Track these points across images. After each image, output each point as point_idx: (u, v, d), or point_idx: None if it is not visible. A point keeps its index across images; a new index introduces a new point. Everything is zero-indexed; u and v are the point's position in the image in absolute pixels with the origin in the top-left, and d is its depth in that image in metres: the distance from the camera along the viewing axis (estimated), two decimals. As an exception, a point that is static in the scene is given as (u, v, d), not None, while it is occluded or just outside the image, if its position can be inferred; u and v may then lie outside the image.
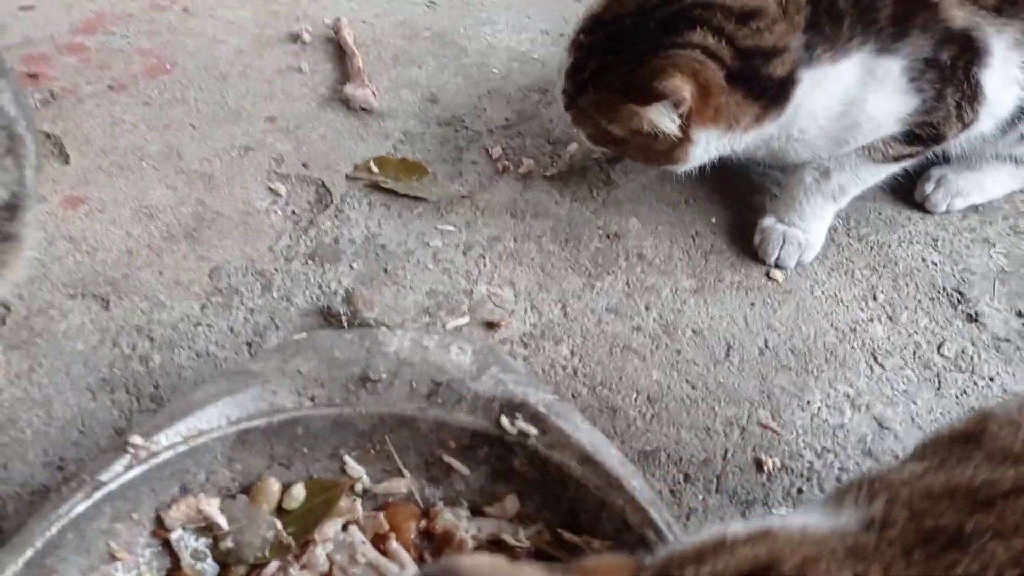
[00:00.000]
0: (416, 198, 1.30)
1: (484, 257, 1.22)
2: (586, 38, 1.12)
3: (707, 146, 1.10)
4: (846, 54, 1.06)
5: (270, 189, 1.30)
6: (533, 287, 1.18)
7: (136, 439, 0.81)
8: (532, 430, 0.86)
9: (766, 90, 1.06)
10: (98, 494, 0.79)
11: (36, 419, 0.98)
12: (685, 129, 1.06)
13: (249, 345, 1.08)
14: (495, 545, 0.85)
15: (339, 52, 1.58)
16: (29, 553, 0.74)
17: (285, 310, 1.12)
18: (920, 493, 0.58)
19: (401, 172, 1.33)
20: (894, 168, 1.21)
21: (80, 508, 0.78)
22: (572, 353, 1.10)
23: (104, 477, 0.79)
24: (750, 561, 0.52)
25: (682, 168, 1.15)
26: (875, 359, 1.12)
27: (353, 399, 0.89)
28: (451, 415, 0.89)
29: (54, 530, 0.76)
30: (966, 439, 0.64)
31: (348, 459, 0.90)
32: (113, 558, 0.81)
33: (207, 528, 0.85)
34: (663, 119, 1.05)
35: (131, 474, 0.81)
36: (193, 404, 0.85)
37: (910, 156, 1.18)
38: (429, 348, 0.92)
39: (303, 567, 0.84)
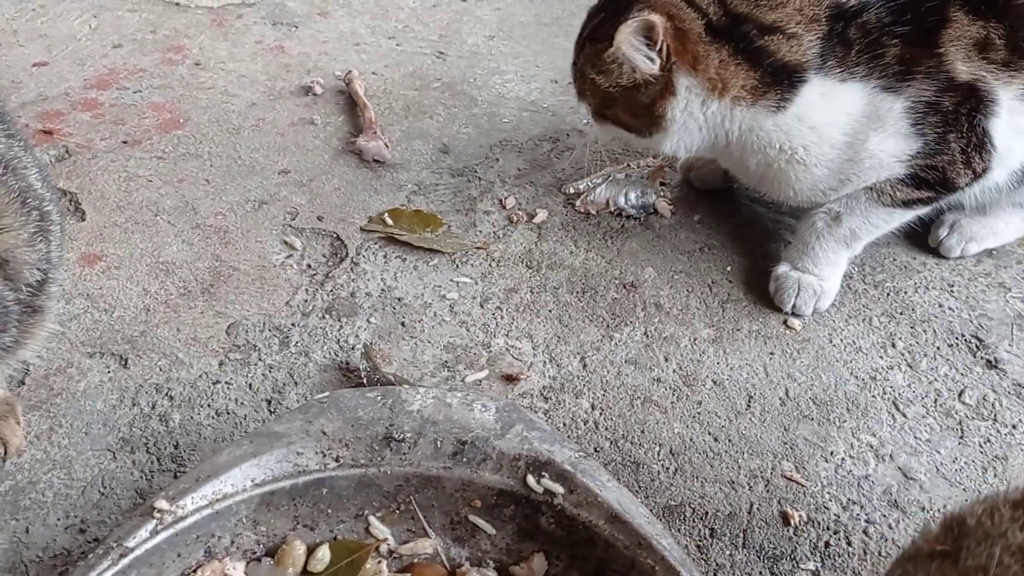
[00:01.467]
0: (431, 250, 1.30)
1: (501, 309, 1.22)
2: (593, 8, 1.21)
3: (691, 107, 1.12)
4: (852, 79, 1.08)
5: (285, 243, 1.30)
6: (551, 339, 1.18)
7: (162, 503, 0.81)
8: (559, 489, 0.85)
9: (763, 63, 1.08)
10: (124, 561, 0.78)
11: (57, 480, 0.97)
12: (665, 69, 1.10)
13: (268, 402, 1.07)
14: (523, 607, 0.84)
15: (350, 104, 1.60)
16: (56, 624, 0.73)
17: (303, 366, 1.12)
18: None
19: (415, 224, 1.34)
20: (906, 215, 1.21)
21: (109, 573, 0.77)
22: (593, 406, 1.10)
23: (130, 543, 0.79)
24: None
25: (670, 143, 1.17)
26: (897, 408, 1.11)
27: (378, 459, 0.88)
28: (476, 474, 0.88)
29: (79, 601, 0.74)
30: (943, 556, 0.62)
31: (373, 520, 0.89)
32: (136, 626, 0.79)
33: (230, 594, 0.83)
34: (636, 54, 1.09)
35: (157, 539, 0.80)
36: (218, 467, 0.85)
37: (920, 202, 1.18)
38: (452, 406, 0.92)
39: (332, 632, 0.82)
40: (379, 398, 0.92)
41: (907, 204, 1.18)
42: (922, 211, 1.22)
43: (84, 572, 0.77)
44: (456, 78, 1.69)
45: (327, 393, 0.95)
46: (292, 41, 1.76)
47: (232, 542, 0.85)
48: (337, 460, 0.88)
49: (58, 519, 0.94)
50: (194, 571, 0.83)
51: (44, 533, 0.93)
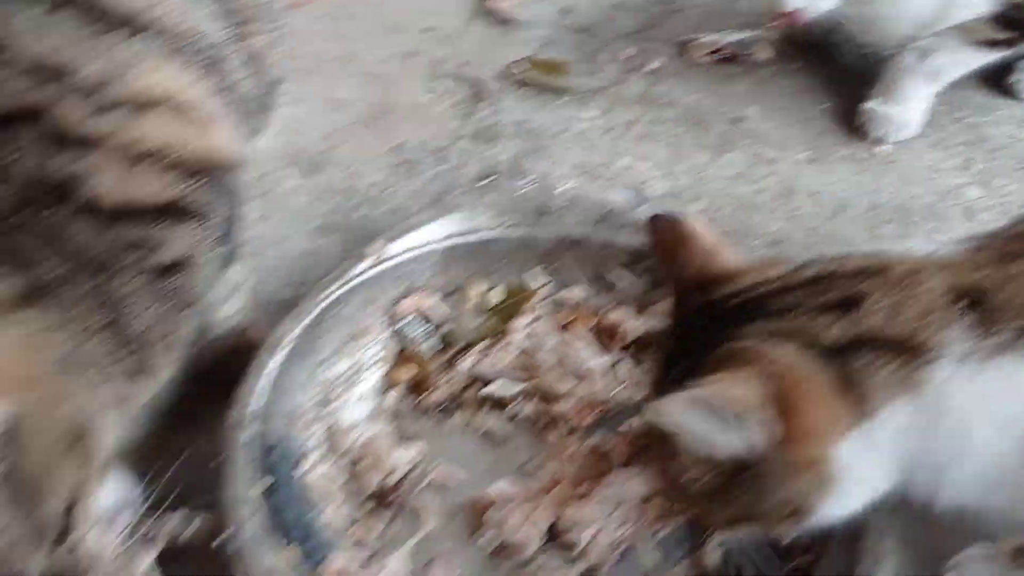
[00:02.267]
0: (560, 91, 1.50)
1: (623, 137, 1.42)
2: None
3: None
4: None
5: (432, 87, 1.52)
6: (667, 161, 1.38)
7: (376, 246, 1.04)
8: (684, 245, 1.06)
9: None
10: (349, 285, 1.02)
11: (274, 254, 1.22)
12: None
13: (433, 203, 1.30)
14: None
15: (480, -25, 1.79)
16: (306, 320, 0.98)
17: (460, 176, 1.35)
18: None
19: (546, 70, 1.54)
20: (989, 55, 1.36)
21: (337, 294, 1.01)
22: (703, 210, 1.30)
23: (353, 273, 1.02)
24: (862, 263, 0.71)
25: None
26: (970, 215, 1.29)
27: (536, 223, 1.10)
28: (616, 237, 1.09)
29: (318, 309, 0.99)
30: None
31: (534, 272, 1.11)
32: (359, 336, 1.04)
33: (428, 319, 1.07)
34: None
35: (373, 272, 1.04)
36: (414, 224, 1.08)
37: (1004, 43, 1.33)
38: (596, 185, 1.14)
39: (505, 347, 1.06)
40: (534, 184, 1.14)
41: (991, 45, 1.33)
42: (1003, 53, 1.37)
43: (317, 292, 1.01)
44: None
45: (489, 178, 1.17)
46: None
47: (427, 281, 1.09)
48: (504, 223, 1.10)
49: (279, 279, 1.19)
50: (399, 300, 1.07)
51: (270, 289, 1.18)
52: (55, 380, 0.75)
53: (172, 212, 0.81)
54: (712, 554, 0.89)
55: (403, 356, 1.05)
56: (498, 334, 1.07)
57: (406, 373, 1.03)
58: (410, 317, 1.06)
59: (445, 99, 1.50)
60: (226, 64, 0.92)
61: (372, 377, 1.04)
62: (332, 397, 1.00)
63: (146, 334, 0.80)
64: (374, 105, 1.47)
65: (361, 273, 1.03)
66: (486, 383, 1.04)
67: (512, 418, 1.03)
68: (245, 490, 0.83)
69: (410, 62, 1.57)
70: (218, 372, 1.03)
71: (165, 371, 0.86)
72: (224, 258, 0.94)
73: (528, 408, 1.02)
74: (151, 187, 0.79)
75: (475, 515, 0.94)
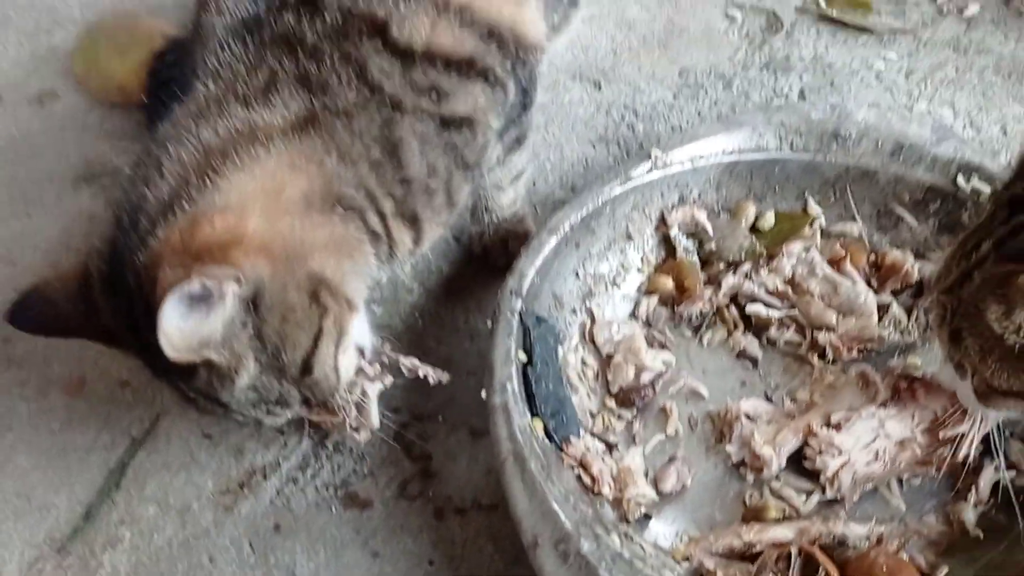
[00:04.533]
0: (861, 28, 1.42)
1: (925, 82, 1.33)
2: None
3: None
4: None
5: (727, 15, 1.49)
6: (972, 109, 1.28)
7: (656, 152, 1.05)
8: (987, 188, 0.98)
9: None
10: (628, 184, 1.04)
11: (553, 157, 1.26)
12: None
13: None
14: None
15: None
16: (585, 211, 1.00)
17: (743, 103, 1.32)
18: None
19: (847, 6, 1.46)
20: None
21: (616, 191, 1.03)
22: (1007, 163, 1.19)
23: (632, 174, 1.04)
24: None
25: None
26: None
27: (825, 149, 1.06)
28: (910, 171, 1.03)
29: (600, 201, 1.01)
30: None
31: (811, 201, 1.08)
32: (628, 237, 1.06)
33: (695, 233, 1.07)
34: None
35: (650, 177, 1.05)
36: (696, 135, 1.08)
37: None
38: (891, 120, 1.07)
39: (771, 271, 1.03)
40: (827, 108, 1.10)
41: None
42: None
43: (598, 188, 1.03)
44: None
45: (783, 100, 1.14)
46: None
47: (699, 195, 1.08)
48: (791, 146, 1.07)
49: (555, 180, 1.23)
50: (670, 209, 1.07)
51: (545, 189, 1.22)
52: (299, 234, 0.79)
53: (468, 67, 0.86)
54: (967, 511, 0.84)
55: (666, 265, 1.05)
56: (764, 257, 1.04)
57: (667, 282, 1.04)
58: (679, 227, 1.06)
59: (738, 28, 1.46)
60: None
61: (634, 280, 1.06)
62: (596, 291, 1.03)
63: (420, 179, 0.85)
64: (663, 28, 1.47)
65: (640, 175, 1.03)
66: (747, 303, 1.02)
67: (769, 342, 1.00)
68: (511, 353, 0.87)
69: (706, -11, 1.54)
70: (492, 255, 1.09)
71: (430, 230, 0.91)
72: (511, 141, 0.99)
73: (786, 335, 1.00)
74: (455, 39, 0.85)
75: (720, 426, 0.93)
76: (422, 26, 0.83)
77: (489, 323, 0.91)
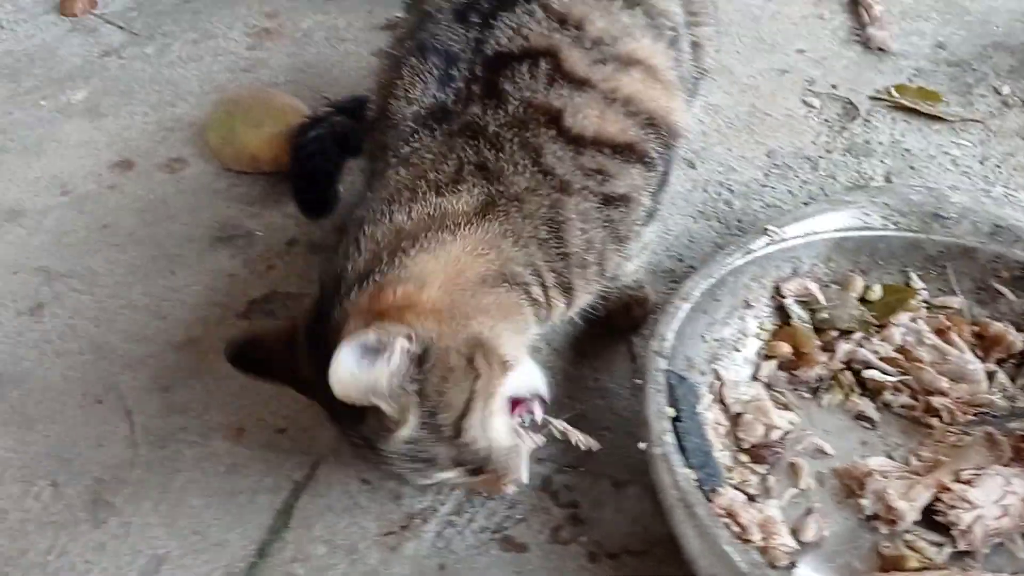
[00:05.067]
0: (934, 117, 1.54)
1: (1000, 167, 1.44)
2: None
3: None
4: None
5: (805, 102, 1.61)
6: (1046, 194, 1.38)
7: (773, 227, 1.14)
8: (1080, 267, 1.07)
9: None
10: (748, 257, 1.13)
11: (660, 228, 1.36)
12: None
13: (805, 204, 1.39)
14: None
15: (852, 5, 1.86)
16: (712, 281, 1.09)
17: (831, 184, 1.43)
18: None
19: (919, 97, 1.58)
20: None
21: (738, 263, 1.12)
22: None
23: (753, 247, 1.13)
24: None
25: None
26: None
27: (927, 228, 1.16)
28: (1008, 250, 1.13)
29: (724, 271, 1.10)
30: None
31: (913, 276, 1.17)
32: (747, 305, 1.15)
33: (807, 302, 1.16)
34: None
35: (767, 250, 1.14)
36: (807, 213, 1.17)
37: None
38: (987, 203, 1.17)
39: (882, 340, 1.12)
40: (925, 190, 1.20)
41: None
42: None
43: (722, 259, 1.12)
44: (948, -9, 1.89)
45: (882, 183, 1.24)
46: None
47: (810, 268, 1.17)
48: (895, 224, 1.17)
49: (663, 250, 1.32)
50: (784, 281, 1.16)
51: (654, 258, 1.31)
52: (468, 303, 0.88)
53: (629, 151, 0.96)
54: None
55: (783, 332, 1.14)
56: (874, 327, 1.13)
57: (785, 347, 1.12)
58: (793, 297, 1.15)
59: (817, 114, 1.58)
60: (681, 44, 1.07)
61: (753, 345, 1.14)
62: (719, 355, 1.11)
63: (578, 254, 0.95)
64: (747, 113, 1.58)
65: (759, 248, 1.13)
66: (861, 368, 1.10)
67: (884, 406, 1.09)
68: (662, 408, 0.95)
69: (783, 78, 1.67)
70: (615, 318, 1.18)
71: (581, 296, 1.00)
72: (648, 215, 1.09)
73: (900, 399, 1.08)
74: (619, 126, 0.95)
75: (849, 482, 1.01)
76: (593, 116, 0.94)
77: (637, 381, 0.99)
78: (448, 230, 0.89)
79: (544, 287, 0.95)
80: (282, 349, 0.91)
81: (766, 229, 1.14)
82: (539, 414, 1.01)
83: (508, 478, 0.95)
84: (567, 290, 0.98)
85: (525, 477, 0.97)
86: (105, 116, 1.66)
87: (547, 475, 1.04)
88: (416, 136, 0.95)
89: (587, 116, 0.94)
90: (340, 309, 0.86)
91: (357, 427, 0.88)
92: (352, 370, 0.79)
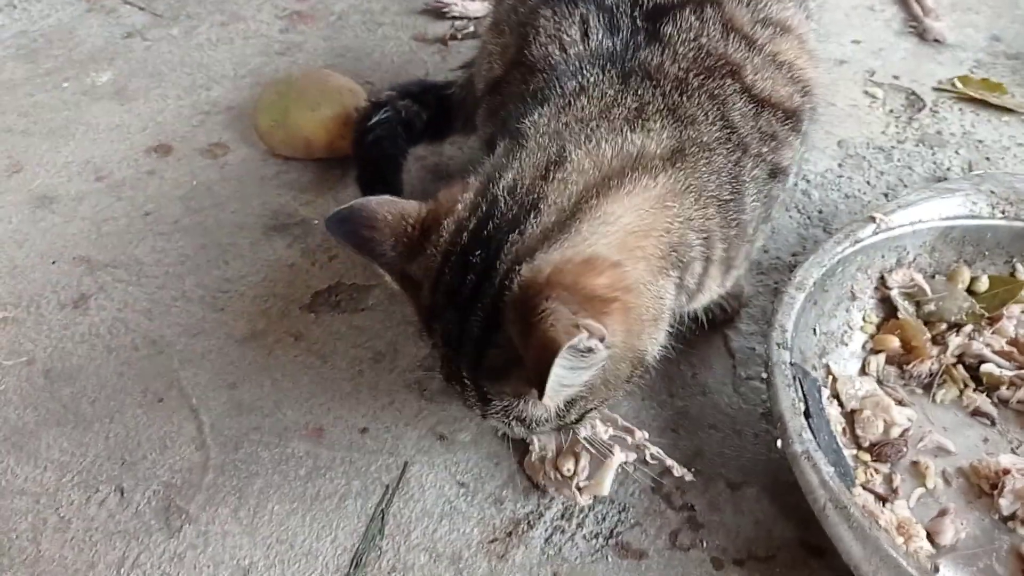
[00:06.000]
0: (1003, 109, 1.50)
1: (1077, 160, 1.40)
2: None
3: None
4: None
5: (867, 92, 1.57)
6: None
7: (879, 215, 1.09)
8: None
9: None
10: (856, 246, 1.07)
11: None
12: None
13: (885, 195, 1.34)
14: None
15: (901, -4, 1.82)
16: (823, 270, 1.03)
17: (908, 175, 1.38)
18: None
19: (984, 88, 1.54)
20: None
21: (847, 252, 1.06)
22: None
23: (861, 235, 1.07)
24: None
25: None
26: None
27: (1035, 218, 1.11)
28: (1123, 241, 1.08)
29: (834, 260, 1.05)
30: None
31: (1020, 267, 1.12)
32: (853, 297, 1.09)
33: (912, 294, 1.10)
34: None
35: (874, 239, 1.08)
36: (911, 201, 1.12)
37: None
38: (1094, 192, 1.12)
39: (995, 332, 1.07)
40: (1025, 177, 1.15)
41: None
42: None
43: (832, 246, 1.06)
44: (996, -17, 1.86)
45: (980, 172, 1.19)
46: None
47: (915, 258, 1.12)
48: (1003, 213, 1.12)
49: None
50: (889, 271, 1.11)
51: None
52: (649, 307, 0.79)
53: (795, 120, 0.90)
54: None
55: (891, 324, 1.08)
56: (985, 319, 1.08)
57: (893, 341, 1.07)
58: (899, 288, 1.10)
59: (880, 104, 1.53)
60: (814, 16, 1.01)
61: (858, 338, 1.08)
62: (828, 348, 1.05)
63: (751, 223, 0.88)
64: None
65: (867, 237, 1.07)
66: (976, 362, 1.05)
67: (1000, 401, 1.03)
68: (795, 403, 0.89)
69: (842, 68, 1.62)
70: (711, 312, 1.11)
71: (731, 278, 0.94)
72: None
73: (1018, 394, 1.03)
74: (786, 90, 0.90)
75: (979, 481, 0.95)
76: (767, 76, 0.88)
77: (763, 375, 0.93)
78: (648, 172, 0.79)
79: (707, 263, 0.86)
80: (401, 237, 0.80)
81: (872, 217, 1.08)
82: (639, 435, 0.97)
83: (587, 485, 0.94)
84: (728, 267, 0.91)
85: (606, 490, 0.94)
86: (135, 99, 1.56)
87: (657, 476, 0.97)
88: (586, 73, 0.86)
89: (763, 76, 0.89)
90: (529, 259, 0.73)
91: (484, 379, 0.77)
92: (564, 376, 0.70)
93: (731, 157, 0.85)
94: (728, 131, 0.85)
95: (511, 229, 0.75)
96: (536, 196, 0.76)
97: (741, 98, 0.86)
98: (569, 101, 0.85)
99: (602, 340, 0.69)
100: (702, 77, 0.86)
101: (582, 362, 0.70)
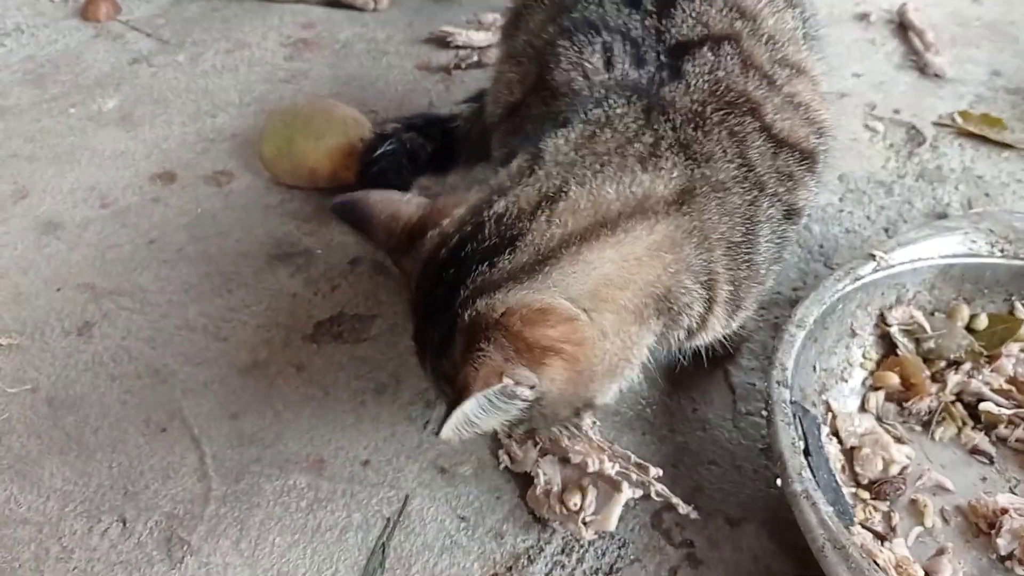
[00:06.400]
0: (1002, 144, 1.51)
1: (1075, 196, 1.41)
2: None
3: None
4: None
5: (867, 126, 1.58)
6: None
7: (879, 253, 1.10)
8: None
9: None
10: (856, 283, 1.08)
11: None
12: None
13: (885, 230, 1.35)
14: None
15: (900, 30, 1.84)
16: (823, 308, 1.04)
17: (908, 210, 1.39)
18: None
19: (984, 124, 1.56)
20: None
21: (847, 289, 1.07)
22: None
23: (861, 272, 1.08)
24: None
25: None
26: None
27: (1034, 256, 1.12)
28: (1120, 280, 1.09)
29: (835, 297, 1.05)
30: None
31: (1019, 305, 1.13)
32: (853, 334, 1.10)
33: (912, 331, 1.11)
34: None
35: (874, 276, 1.09)
36: (911, 239, 1.13)
37: None
38: (1092, 231, 1.13)
39: (993, 371, 1.08)
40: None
41: None
42: None
43: (832, 285, 1.06)
44: (995, 20, 1.88)
45: (979, 210, 1.20)
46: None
47: (914, 296, 1.13)
48: (1002, 251, 1.13)
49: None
50: (889, 308, 1.11)
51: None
52: (606, 360, 0.80)
53: (811, 161, 0.91)
54: None
55: (890, 361, 1.09)
56: (984, 357, 1.09)
57: (893, 378, 1.07)
58: (898, 326, 1.10)
59: (881, 139, 1.54)
60: (822, 56, 1.03)
61: (858, 375, 1.09)
62: (828, 385, 1.06)
63: (761, 266, 0.89)
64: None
65: (867, 275, 1.08)
66: (975, 400, 1.05)
67: (999, 439, 1.04)
68: (795, 441, 0.89)
69: (843, 101, 1.63)
70: (709, 347, 1.11)
71: (739, 318, 0.94)
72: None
73: (1016, 432, 1.03)
74: (804, 131, 0.90)
75: (977, 520, 0.95)
76: (786, 116, 0.89)
77: (764, 412, 0.93)
78: (648, 219, 0.79)
79: (710, 303, 0.87)
80: (395, 234, 0.85)
81: (872, 254, 1.09)
82: (653, 472, 0.98)
83: (593, 520, 0.95)
84: (735, 308, 0.91)
85: (613, 525, 0.95)
86: (140, 125, 1.58)
87: (656, 512, 0.97)
88: (613, 103, 0.87)
89: (782, 116, 0.90)
90: (484, 301, 0.75)
91: (440, 380, 0.82)
92: (476, 414, 0.74)
93: (746, 197, 0.85)
94: (746, 169, 0.85)
95: (483, 259, 0.76)
96: (517, 232, 0.77)
97: (760, 136, 0.87)
98: (593, 132, 0.85)
99: (532, 387, 0.73)
100: (722, 113, 0.86)
101: (501, 404, 0.74)
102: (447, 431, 0.73)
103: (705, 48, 0.90)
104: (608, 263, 0.77)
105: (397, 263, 0.87)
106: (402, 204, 0.86)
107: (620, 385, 0.86)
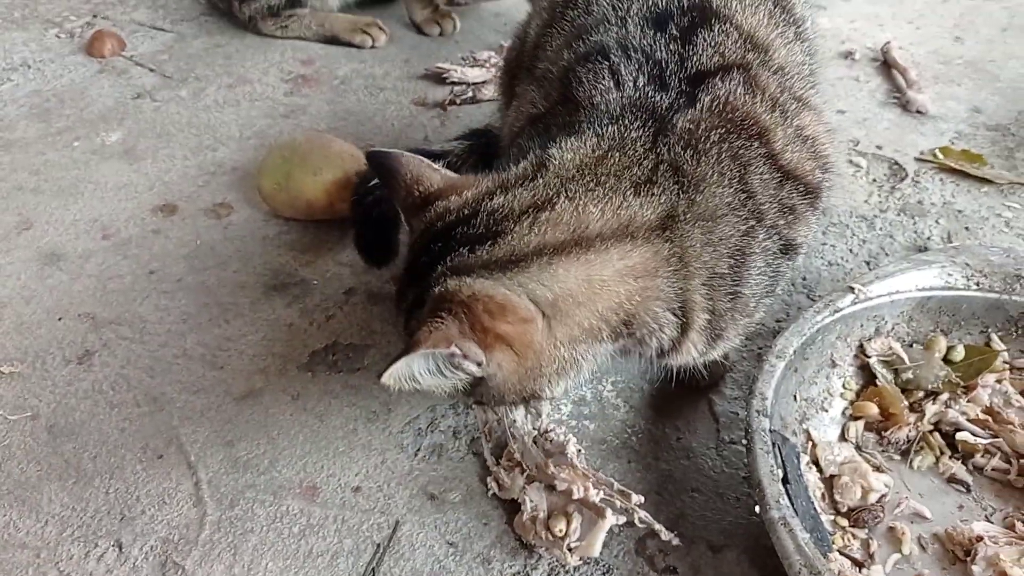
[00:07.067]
0: (982, 180, 1.55)
1: (1053, 231, 1.44)
2: None
3: None
4: None
5: (851, 162, 1.62)
6: (1102, 257, 1.39)
7: (858, 286, 1.13)
8: None
9: None
10: (835, 315, 1.11)
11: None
12: None
13: (867, 263, 1.38)
14: None
15: (884, 68, 1.89)
16: (803, 339, 1.07)
17: (890, 243, 1.42)
18: None
19: (964, 159, 1.60)
20: None
21: (826, 320, 1.10)
22: None
23: (840, 305, 1.12)
24: None
25: None
26: None
27: (1009, 290, 1.15)
28: (1092, 314, 1.12)
29: (814, 328, 1.09)
30: None
31: (994, 337, 1.16)
32: (833, 364, 1.13)
33: (890, 362, 1.14)
34: None
35: (853, 308, 1.13)
36: (889, 272, 1.16)
37: None
38: (1064, 266, 1.17)
39: (969, 401, 1.11)
40: (1003, 252, 1.19)
41: None
42: None
43: (812, 317, 1.10)
44: (976, 58, 1.93)
45: (956, 243, 1.24)
46: (823, 18, 2.09)
47: (893, 327, 1.16)
48: (978, 284, 1.16)
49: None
50: (868, 340, 1.15)
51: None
52: (558, 361, 0.85)
53: (814, 196, 0.93)
54: None
55: (869, 392, 1.12)
56: (960, 388, 1.12)
57: (872, 408, 1.10)
58: (877, 357, 1.13)
59: (864, 174, 1.58)
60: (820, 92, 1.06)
61: (838, 405, 1.12)
62: (808, 414, 1.09)
63: (748, 299, 0.91)
64: (797, 171, 1.58)
65: (845, 307, 1.11)
66: (952, 430, 1.08)
67: (975, 468, 1.06)
68: (774, 469, 0.92)
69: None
70: (693, 377, 1.14)
71: (720, 348, 0.97)
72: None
73: (992, 462, 1.06)
74: (810, 165, 0.93)
75: (953, 547, 0.98)
76: (795, 147, 0.91)
77: (744, 442, 0.96)
78: (625, 244, 0.83)
79: (684, 329, 0.89)
80: (408, 201, 0.91)
81: (851, 287, 1.12)
82: (635, 499, 1.00)
83: (577, 547, 0.97)
84: (715, 338, 0.93)
85: (597, 551, 0.97)
86: (143, 159, 1.61)
87: (640, 538, 0.99)
88: (628, 122, 0.89)
89: (792, 147, 0.91)
90: (455, 281, 0.81)
91: (407, 334, 0.86)
92: (414, 370, 0.80)
93: (740, 226, 0.86)
94: (744, 196, 0.86)
95: (467, 244, 0.83)
96: (502, 229, 0.83)
97: (765, 164, 0.88)
98: (605, 152, 0.87)
99: (479, 364, 0.79)
100: (725, 132, 0.87)
101: (447, 371, 0.80)
102: (388, 377, 0.79)
103: (718, 76, 0.92)
104: (573, 280, 0.81)
105: (408, 220, 0.93)
106: (429, 171, 0.92)
107: (568, 384, 0.90)
